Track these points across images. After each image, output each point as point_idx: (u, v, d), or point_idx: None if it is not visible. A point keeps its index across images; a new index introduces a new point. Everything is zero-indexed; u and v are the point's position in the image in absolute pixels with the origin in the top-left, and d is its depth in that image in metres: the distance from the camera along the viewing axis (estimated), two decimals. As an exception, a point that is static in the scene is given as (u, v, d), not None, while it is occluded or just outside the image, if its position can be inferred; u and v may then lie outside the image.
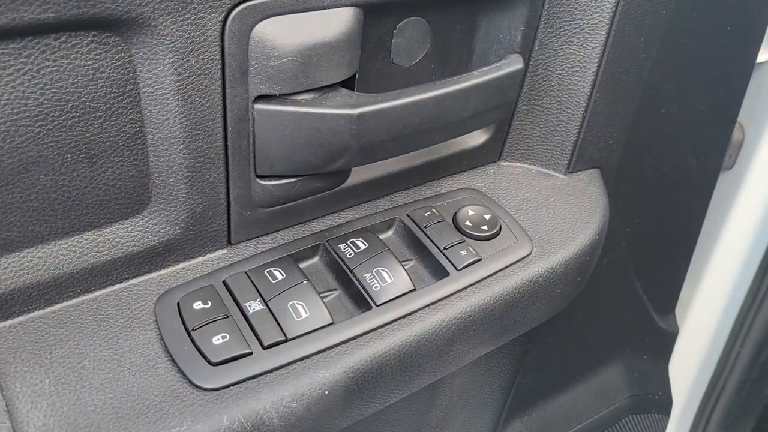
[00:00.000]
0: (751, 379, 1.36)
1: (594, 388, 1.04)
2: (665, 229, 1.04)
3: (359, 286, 0.60)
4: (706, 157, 1.00)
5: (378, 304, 0.59)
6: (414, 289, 0.61)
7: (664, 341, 1.14)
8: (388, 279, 0.61)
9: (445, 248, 0.65)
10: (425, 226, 0.67)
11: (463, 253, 0.65)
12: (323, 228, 0.66)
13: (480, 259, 0.65)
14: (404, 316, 0.60)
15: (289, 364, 0.55)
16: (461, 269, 0.64)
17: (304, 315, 0.57)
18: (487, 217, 0.69)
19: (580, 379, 1.02)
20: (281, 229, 0.65)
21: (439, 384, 0.78)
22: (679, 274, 1.13)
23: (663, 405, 1.15)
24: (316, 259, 0.64)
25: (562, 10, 0.68)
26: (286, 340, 0.55)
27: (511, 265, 0.66)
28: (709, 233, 1.27)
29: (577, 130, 0.73)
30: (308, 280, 0.59)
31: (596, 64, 0.70)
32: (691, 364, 1.34)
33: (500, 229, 0.68)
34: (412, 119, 0.60)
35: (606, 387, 1.05)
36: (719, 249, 1.29)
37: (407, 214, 0.68)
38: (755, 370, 1.34)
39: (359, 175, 0.67)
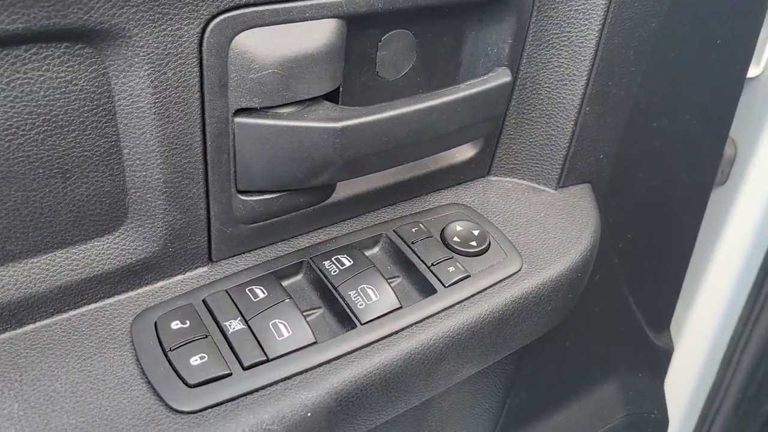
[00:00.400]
0: (747, 398, 1.34)
1: (588, 408, 1.02)
2: (658, 245, 1.02)
3: (343, 303, 0.59)
4: (698, 172, 0.99)
5: (363, 322, 0.58)
6: (400, 307, 0.60)
7: (659, 359, 1.12)
8: (373, 297, 0.59)
9: (432, 265, 0.63)
10: (412, 242, 0.65)
11: (451, 269, 0.63)
12: (307, 245, 0.64)
13: (468, 276, 0.64)
14: (390, 335, 0.58)
15: (270, 385, 0.53)
16: (449, 286, 0.62)
17: (286, 334, 0.55)
18: (476, 232, 0.68)
19: (573, 398, 1.00)
20: (264, 246, 0.63)
21: (427, 404, 0.76)
22: (673, 291, 1.11)
23: (659, 424, 1.13)
24: (299, 276, 0.62)
25: (551, 23, 0.67)
26: (267, 361, 0.54)
27: (500, 281, 0.64)
28: (703, 249, 1.26)
29: (567, 144, 0.72)
30: (291, 297, 0.57)
31: (585, 78, 0.69)
32: (686, 382, 1.32)
33: (489, 244, 0.67)
34: (398, 133, 0.59)
35: (601, 406, 1.03)
36: (713, 265, 1.28)
37: (394, 230, 0.67)
38: (752, 388, 1.33)
39: (344, 190, 0.66)
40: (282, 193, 0.59)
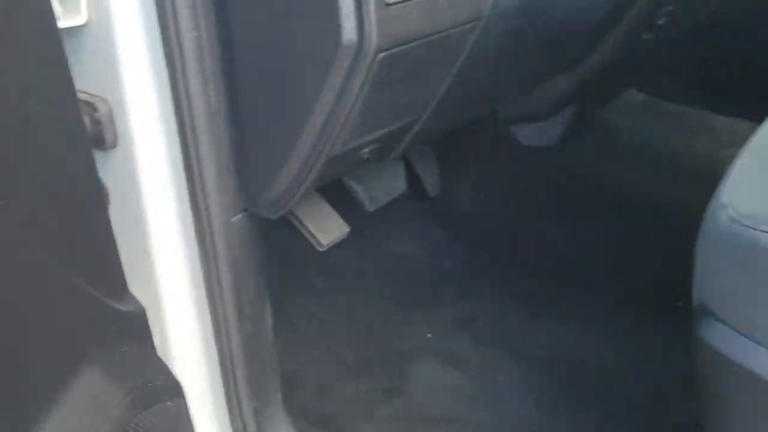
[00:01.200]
0: (248, 335, 1.34)
1: (81, 406, 0.85)
2: (63, 211, 0.91)
3: None
4: (63, 131, 0.90)
5: None
6: None
7: (135, 324, 1.02)
8: None
9: None
10: None
11: None
12: None
13: None
14: None
15: None
16: None
17: None
18: None
19: (62, 404, 0.82)
20: None
21: None
22: (110, 253, 1.02)
23: (170, 390, 1.04)
24: None
25: None
26: None
27: None
28: (136, 211, 1.19)
29: None
30: None
31: None
32: (186, 337, 1.26)
33: None
34: None
35: (92, 399, 0.88)
36: (149, 227, 1.21)
37: None
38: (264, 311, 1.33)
39: None
40: None
